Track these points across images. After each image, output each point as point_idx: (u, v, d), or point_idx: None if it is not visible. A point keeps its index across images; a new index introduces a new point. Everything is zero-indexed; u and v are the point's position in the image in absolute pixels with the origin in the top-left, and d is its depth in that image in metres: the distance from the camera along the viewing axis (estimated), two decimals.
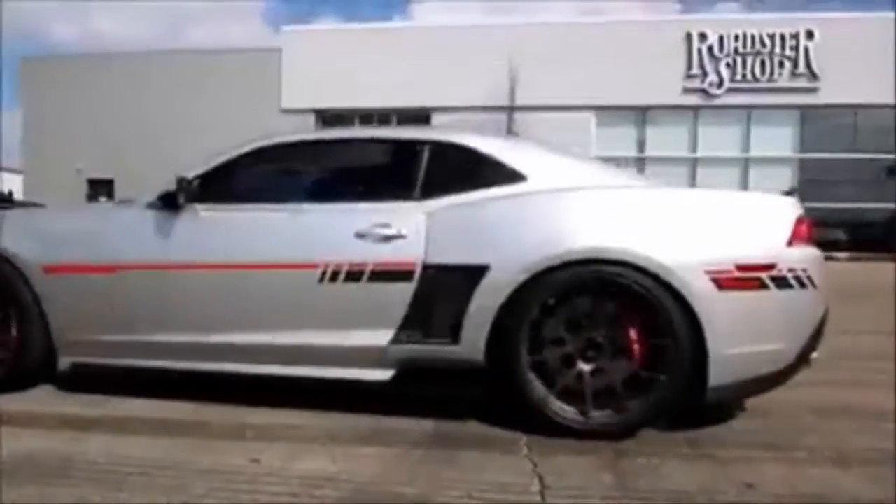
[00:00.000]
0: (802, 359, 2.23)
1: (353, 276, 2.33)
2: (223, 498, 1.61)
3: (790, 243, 2.21)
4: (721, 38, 19.19)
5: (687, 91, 19.36)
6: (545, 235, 2.25)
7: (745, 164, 19.61)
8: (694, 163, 19.68)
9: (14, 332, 2.49)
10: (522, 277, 2.16)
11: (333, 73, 18.83)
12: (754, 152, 19.53)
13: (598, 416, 2.10)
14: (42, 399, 2.51)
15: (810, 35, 18.93)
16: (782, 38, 19.04)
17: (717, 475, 1.80)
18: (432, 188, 2.46)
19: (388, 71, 18.72)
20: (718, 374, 2.08)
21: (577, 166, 2.68)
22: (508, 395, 2.17)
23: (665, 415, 2.12)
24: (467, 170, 2.54)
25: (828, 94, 18.62)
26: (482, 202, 2.39)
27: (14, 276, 2.50)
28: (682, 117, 19.61)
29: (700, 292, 2.09)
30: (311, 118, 19.18)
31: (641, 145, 19.98)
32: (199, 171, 2.59)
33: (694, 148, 19.79)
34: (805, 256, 2.23)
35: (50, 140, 19.55)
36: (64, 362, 2.54)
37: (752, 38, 19.09)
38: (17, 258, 2.51)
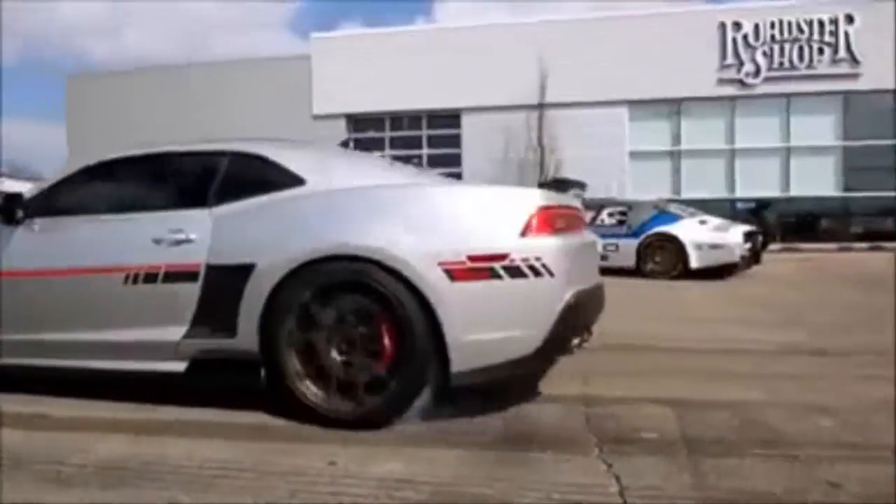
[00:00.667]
0: (553, 345, 2.36)
1: (150, 277, 2.63)
2: (306, 499, 1.64)
3: (524, 234, 2.34)
4: (756, 27, 18.74)
5: (722, 82, 18.96)
6: (302, 235, 2.48)
7: (787, 154, 19.09)
8: (732, 154, 19.25)
9: None
10: (280, 274, 2.38)
11: (362, 78, 18.96)
12: (795, 142, 19.00)
13: (339, 403, 2.27)
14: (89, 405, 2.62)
15: (850, 19, 18.33)
16: (821, 23, 18.50)
17: (799, 475, 1.76)
18: (224, 195, 2.71)
19: (416, 73, 18.81)
20: (459, 361, 2.24)
21: (357, 168, 2.97)
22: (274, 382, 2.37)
23: (408, 405, 2.24)
24: (256, 176, 2.76)
25: (870, 79, 18.03)
26: (255, 206, 2.64)
27: None
28: (718, 109, 19.19)
29: (434, 284, 2.25)
30: (342, 123, 19.34)
31: (676, 139, 19.63)
32: (38, 189, 3.10)
33: (731, 140, 19.35)
34: (541, 246, 2.34)
35: (93, 153, 20.02)
36: None
37: (790, 24, 18.59)
38: None
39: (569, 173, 11.82)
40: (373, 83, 18.97)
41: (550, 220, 2.42)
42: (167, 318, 2.62)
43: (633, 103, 19.20)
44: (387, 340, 2.29)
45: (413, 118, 19.33)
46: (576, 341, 2.52)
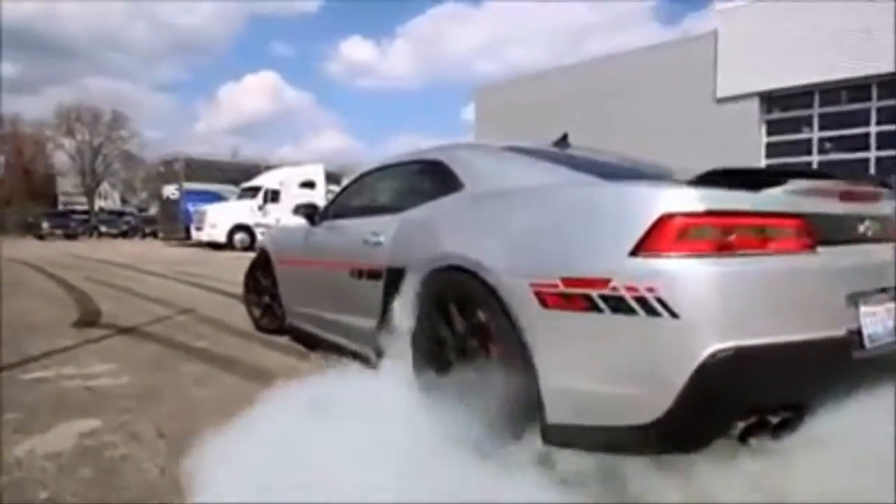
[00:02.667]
0: (689, 423, 1.66)
1: (359, 274, 3.19)
2: None
3: (635, 252, 1.74)
4: None
5: None
6: (431, 243, 2.60)
7: None
8: None
9: None
10: (417, 281, 2.55)
11: (779, 48, 15.90)
12: None
13: None
14: None
15: None
16: None
17: None
18: (408, 201, 3.05)
19: (854, 32, 14.70)
20: (553, 412, 1.92)
21: (519, 169, 2.70)
22: None
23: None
24: (431, 182, 2.99)
25: None
26: (419, 211, 2.91)
27: None
28: None
29: (524, 306, 2.02)
30: (754, 103, 16.61)
31: None
32: (331, 198, 4.20)
33: None
34: (658, 271, 1.68)
35: None
36: None
37: None
38: None
39: None
40: (794, 51, 15.70)
41: (683, 235, 1.70)
42: (370, 310, 3.01)
43: None
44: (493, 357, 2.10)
45: (855, 88, 15.24)
46: (741, 425, 1.69)
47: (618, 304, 1.74)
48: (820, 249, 1.88)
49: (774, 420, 1.77)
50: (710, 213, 1.74)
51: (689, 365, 1.63)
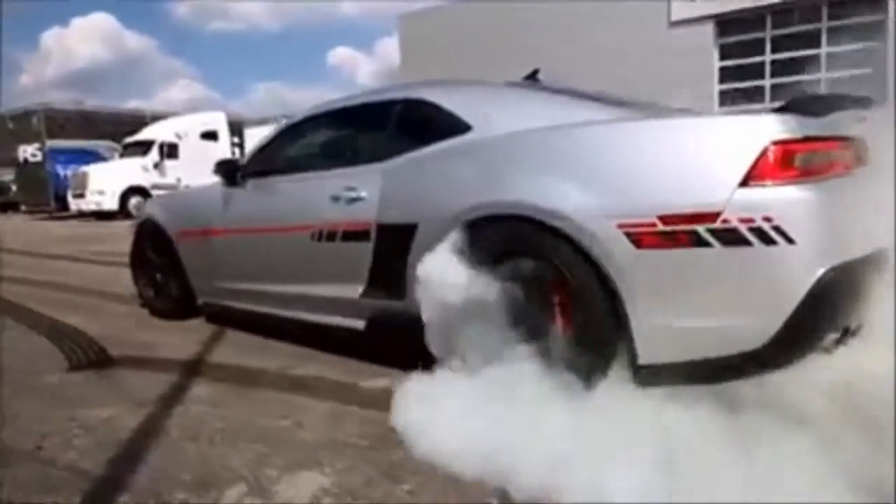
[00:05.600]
0: (795, 341, 1.76)
1: (331, 236, 2.84)
2: None
3: (746, 182, 1.77)
4: None
5: None
6: (460, 191, 2.36)
7: None
8: None
9: None
10: (440, 237, 2.30)
11: None
12: None
13: None
14: None
15: None
16: None
17: None
18: (394, 148, 2.74)
19: None
20: (649, 353, 1.94)
21: (532, 106, 2.62)
22: None
23: None
24: (425, 125, 2.70)
25: None
26: (419, 158, 2.63)
27: None
28: None
29: (612, 250, 1.96)
30: (709, 27, 16.10)
31: None
32: (251, 152, 3.69)
33: None
34: (774, 200, 1.74)
35: None
36: None
37: None
38: None
39: None
40: None
41: (791, 162, 1.74)
42: (348, 276, 2.74)
43: None
44: (559, 318, 2.04)
45: (807, 9, 15.15)
46: (834, 336, 1.84)
47: (731, 237, 1.73)
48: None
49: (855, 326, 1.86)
50: (809, 139, 1.79)
51: (801, 289, 1.70)
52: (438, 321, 2.19)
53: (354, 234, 2.70)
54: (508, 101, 2.66)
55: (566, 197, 1.96)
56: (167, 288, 4.21)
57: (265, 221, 3.25)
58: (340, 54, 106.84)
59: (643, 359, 1.86)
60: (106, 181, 17.46)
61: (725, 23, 16.25)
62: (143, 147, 18.27)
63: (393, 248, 2.52)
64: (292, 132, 3.48)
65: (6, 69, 70.60)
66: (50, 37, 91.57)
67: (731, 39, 16.26)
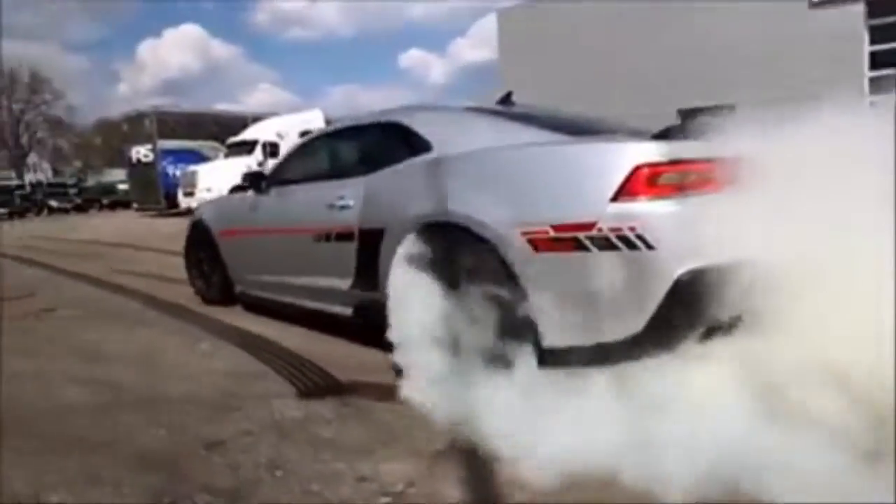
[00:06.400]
0: (657, 335, 2.08)
1: (327, 237, 3.37)
2: None
3: (616, 198, 2.14)
4: None
5: None
6: (415, 202, 2.79)
7: None
8: None
9: None
10: (399, 239, 2.77)
11: None
12: None
13: None
14: None
15: None
16: None
17: None
18: (376, 164, 3.22)
19: None
20: (549, 338, 2.30)
21: (484, 129, 2.96)
22: None
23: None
24: (398, 145, 3.14)
25: None
26: (391, 173, 3.12)
27: None
28: None
29: (517, 254, 2.34)
30: (858, 7, 14.40)
31: None
32: (276, 163, 4.58)
33: None
34: (637, 212, 2.10)
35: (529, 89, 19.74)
36: None
37: None
38: None
39: None
40: None
41: (650, 181, 2.09)
42: (341, 271, 3.20)
43: None
44: (489, 308, 2.35)
45: None
46: (702, 328, 2.07)
47: (603, 243, 2.10)
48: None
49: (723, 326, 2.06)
50: (672, 163, 2.12)
51: (663, 287, 2.03)
52: (401, 311, 2.61)
53: (344, 236, 3.18)
54: (465, 124, 3.03)
55: (486, 209, 2.38)
56: (212, 278, 4.90)
57: (280, 224, 3.84)
58: (412, 56, 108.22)
59: (546, 342, 2.23)
60: (214, 179, 17.66)
61: (877, 2, 14.48)
62: (247, 147, 18.56)
63: (369, 249, 2.95)
64: (304, 148, 4.19)
65: (106, 79, 75.45)
66: (144, 47, 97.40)
67: (885, 21, 14.48)
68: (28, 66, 45.12)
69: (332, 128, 4.09)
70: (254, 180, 4.20)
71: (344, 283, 3.19)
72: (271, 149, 18.12)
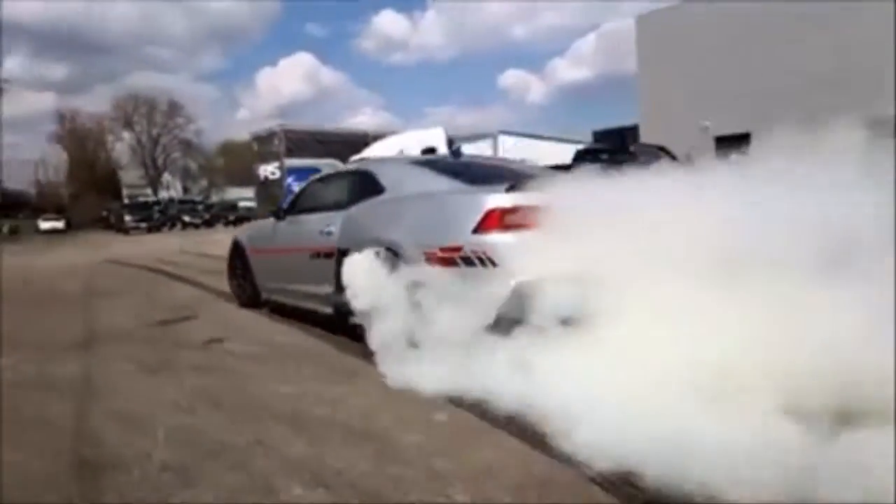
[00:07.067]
0: (505, 323, 2.90)
1: (318, 255, 4.52)
2: None
3: (475, 231, 3.19)
4: None
5: None
6: (365, 229, 4.03)
7: None
8: None
9: None
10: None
11: None
12: None
13: None
14: None
15: None
16: None
17: None
18: (351, 201, 4.43)
19: None
20: (438, 326, 3.21)
21: (418, 177, 4.25)
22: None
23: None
24: (366, 188, 4.37)
25: None
26: (357, 208, 4.32)
27: None
28: None
29: (420, 267, 3.38)
30: None
31: None
32: (292, 196, 5.67)
33: None
34: (486, 241, 3.14)
35: (672, 96, 18.21)
36: None
37: None
38: None
39: None
40: None
41: (498, 220, 3.10)
42: (326, 280, 4.24)
43: None
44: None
45: None
46: (528, 321, 2.82)
47: (468, 261, 3.14)
48: None
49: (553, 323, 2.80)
50: (511, 209, 3.12)
51: (504, 291, 2.97)
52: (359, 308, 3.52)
53: (328, 255, 4.31)
54: (410, 173, 4.21)
55: (401, 236, 3.55)
56: (245, 287, 6.06)
57: (289, 244, 5.02)
58: (511, 77, 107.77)
59: (436, 329, 3.09)
60: None
61: None
62: None
63: (342, 264, 3.78)
64: (311, 185, 5.43)
65: (228, 105, 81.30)
66: (262, 75, 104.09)
67: None
68: (167, 94, 49.15)
69: (325, 173, 5.47)
70: (276, 210, 5.51)
71: (328, 290, 4.25)
72: None
